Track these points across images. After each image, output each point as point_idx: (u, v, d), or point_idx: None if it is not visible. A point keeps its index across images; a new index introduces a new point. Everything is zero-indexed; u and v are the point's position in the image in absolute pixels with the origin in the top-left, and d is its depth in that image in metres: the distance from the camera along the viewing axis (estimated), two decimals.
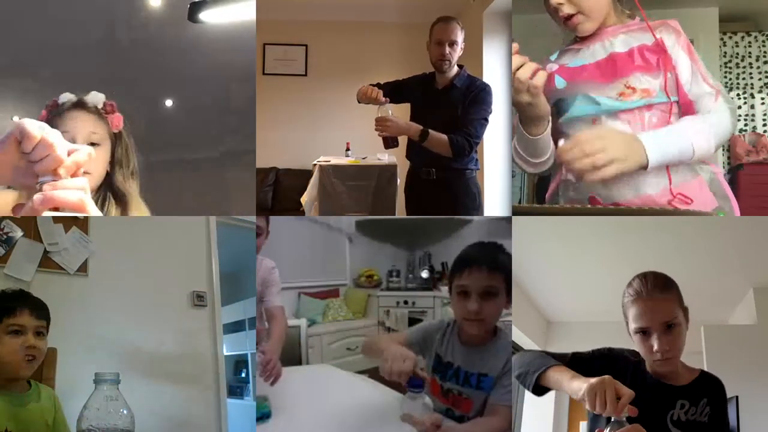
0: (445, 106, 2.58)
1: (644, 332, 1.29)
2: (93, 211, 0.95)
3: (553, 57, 1.64)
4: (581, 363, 1.32)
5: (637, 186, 1.52)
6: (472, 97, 2.54)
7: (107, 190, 1.63)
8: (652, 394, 1.27)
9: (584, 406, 1.12)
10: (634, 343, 1.33)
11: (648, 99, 1.50)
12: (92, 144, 1.57)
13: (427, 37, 2.65)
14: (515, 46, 1.44)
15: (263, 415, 1.47)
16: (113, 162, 1.64)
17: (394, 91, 2.69)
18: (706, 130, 1.46)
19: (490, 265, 1.32)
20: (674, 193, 1.49)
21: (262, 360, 1.71)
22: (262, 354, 1.74)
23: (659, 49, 1.50)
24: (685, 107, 1.53)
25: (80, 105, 1.62)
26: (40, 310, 1.45)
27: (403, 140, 2.64)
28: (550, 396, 3.00)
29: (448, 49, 2.55)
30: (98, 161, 1.58)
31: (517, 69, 1.41)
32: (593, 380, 1.11)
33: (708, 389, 1.31)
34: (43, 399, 1.44)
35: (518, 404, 3.06)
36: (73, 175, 0.90)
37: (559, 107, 1.63)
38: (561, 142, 1.42)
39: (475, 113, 2.51)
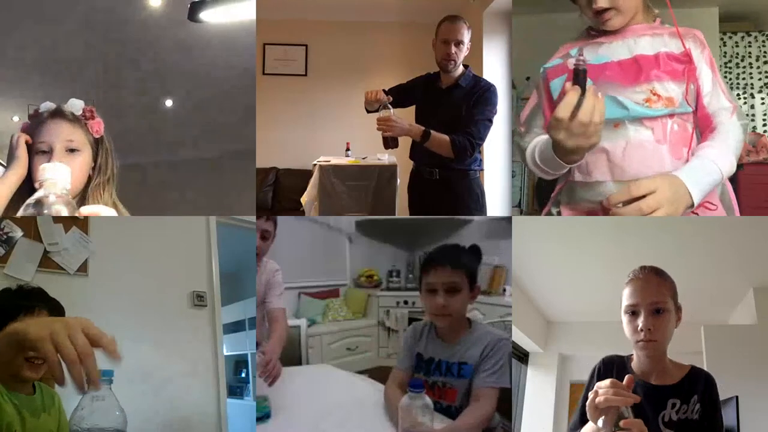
0: (448, 106, 2.55)
1: (633, 312, 1.32)
2: None
3: (573, 51, 1.56)
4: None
5: None
6: (477, 97, 2.51)
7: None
8: (642, 398, 1.25)
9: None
10: (624, 328, 1.34)
11: (672, 108, 1.48)
12: (71, 150, 1.56)
13: (428, 37, 2.63)
14: (572, 91, 1.28)
15: (263, 415, 1.47)
16: (95, 167, 1.62)
17: (399, 95, 2.66)
18: (728, 152, 1.45)
19: (452, 264, 1.48)
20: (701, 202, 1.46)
21: (261, 360, 1.71)
22: (262, 354, 1.74)
23: (686, 58, 1.48)
24: (703, 119, 1.52)
25: (57, 113, 1.60)
26: (58, 311, 1.51)
27: (406, 140, 2.62)
28: (551, 379, 3.02)
29: (453, 49, 2.52)
30: (79, 167, 1.55)
31: (574, 112, 1.26)
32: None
33: (699, 386, 1.29)
34: (51, 407, 1.43)
35: (519, 388, 3.06)
36: None
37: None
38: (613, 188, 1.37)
39: (479, 114, 2.49)
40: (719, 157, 1.44)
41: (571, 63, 1.52)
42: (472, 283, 1.50)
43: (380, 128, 2.45)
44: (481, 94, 2.53)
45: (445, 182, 2.60)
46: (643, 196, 1.31)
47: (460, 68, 2.59)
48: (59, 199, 1.17)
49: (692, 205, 1.38)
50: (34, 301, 1.49)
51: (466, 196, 2.61)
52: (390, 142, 2.52)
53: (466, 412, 1.39)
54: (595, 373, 1.36)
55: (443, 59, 2.55)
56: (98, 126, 1.64)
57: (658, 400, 1.28)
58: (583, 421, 1.22)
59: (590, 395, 1.10)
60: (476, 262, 1.55)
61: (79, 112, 1.62)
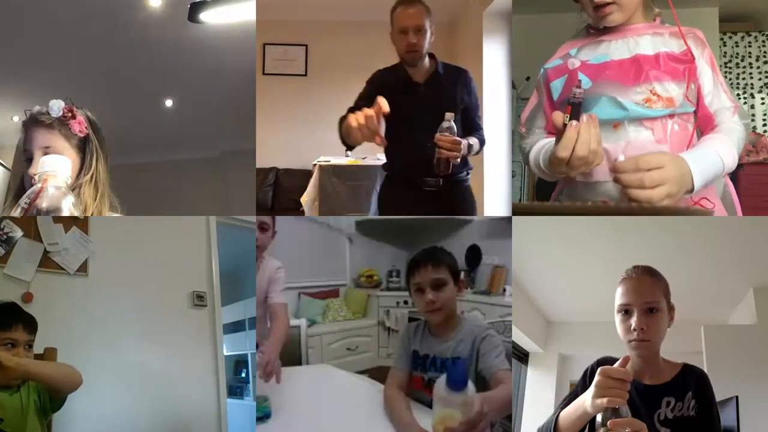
0: (431, 100, 2.27)
1: (626, 311, 1.32)
2: None
3: (573, 51, 1.58)
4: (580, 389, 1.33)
5: None
6: (463, 86, 2.32)
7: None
8: (636, 398, 1.26)
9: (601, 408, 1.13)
10: (617, 328, 1.35)
11: (672, 109, 1.48)
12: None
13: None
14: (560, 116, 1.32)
15: (263, 415, 1.47)
16: (81, 168, 1.57)
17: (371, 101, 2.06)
18: (732, 146, 1.46)
19: (434, 262, 1.56)
20: (695, 200, 1.46)
21: (261, 360, 1.71)
22: (262, 354, 1.75)
23: (687, 58, 1.47)
24: (704, 119, 1.52)
25: (33, 120, 1.56)
26: (32, 326, 1.57)
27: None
28: (551, 379, 3.02)
29: (414, 37, 2.20)
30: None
31: (572, 147, 1.29)
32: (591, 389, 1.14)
33: (692, 382, 1.30)
34: (22, 385, 1.52)
35: (519, 388, 3.06)
36: None
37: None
38: (620, 158, 1.37)
39: (476, 107, 2.37)
40: (723, 149, 1.44)
41: (572, 63, 1.52)
42: (456, 278, 1.57)
43: (447, 151, 2.02)
44: (467, 82, 2.34)
45: (438, 193, 2.28)
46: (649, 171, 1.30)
47: (427, 58, 2.29)
48: (58, 191, 1.17)
49: (692, 190, 1.37)
50: (11, 317, 1.54)
51: (466, 207, 2.38)
52: (448, 166, 2.08)
53: (499, 389, 1.40)
54: (588, 374, 1.36)
55: (407, 52, 2.23)
56: (79, 126, 1.58)
57: (653, 400, 1.28)
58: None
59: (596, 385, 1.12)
60: (455, 259, 1.63)
61: (58, 114, 1.56)
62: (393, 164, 2.40)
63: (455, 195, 2.33)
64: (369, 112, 1.64)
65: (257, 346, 2.05)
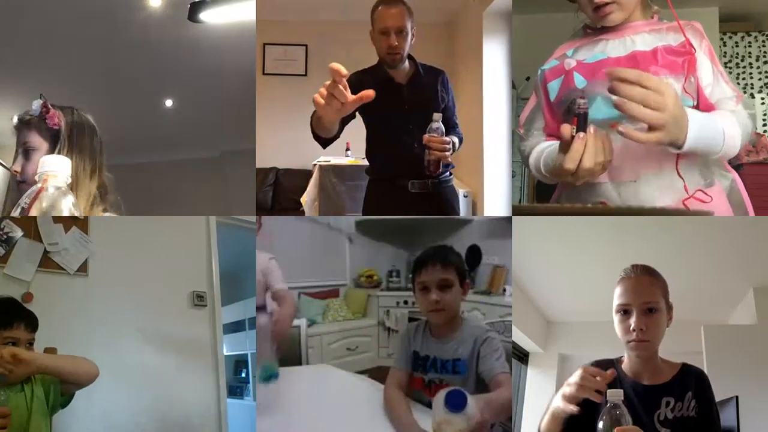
0: (415, 101, 2.24)
1: (625, 311, 1.32)
2: None
3: (569, 52, 1.56)
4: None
5: (653, 197, 1.47)
6: (442, 87, 2.29)
7: None
8: (635, 399, 1.26)
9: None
10: (615, 328, 1.35)
11: None
12: (26, 151, 1.63)
13: (428, 37, 2.47)
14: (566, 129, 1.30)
15: (270, 376, 1.48)
16: None
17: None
18: (737, 126, 1.43)
19: (443, 262, 1.53)
20: (690, 192, 1.43)
21: (272, 323, 1.71)
22: (273, 319, 1.74)
23: (685, 50, 1.45)
24: (706, 110, 1.49)
25: (19, 121, 1.66)
26: (33, 324, 1.56)
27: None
28: (551, 379, 3.01)
29: (396, 39, 2.17)
30: (34, 163, 1.59)
31: (579, 161, 1.28)
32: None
33: (691, 382, 1.29)
34: (26, 383, 1.50)
35: (519, 388, 3.06)
36: None
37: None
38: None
39: (453, 106, 2.33)
40: (725, 123, 1.40)
41: (568, 64, 1.52)
42: (462, 280, 1.55)
43: (438, 152, 1.99)
44: (446, 82, 2.31)
45: (424, 194, 2.25)
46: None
47: (407, 61, 2.25)
48: (58, 191, 1.17)
49: (681, 146, 1.33)
50: (12, 315, 1.55)
51: (451, 206, 2.33)
52: (438, 167, 2.05)
53: (498, 392, 1.40)
54: None
55: (388, 53, 2.20)
56: (52, 119, 1.66)
57: (652, 400, 1.28)
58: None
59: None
60: (463, 260, 1.61)
61: (37, 112, 1.65)
62: (379, 167, 2.36)
63: (440, 195, 2.28)
64: (327, 83, 1.42)
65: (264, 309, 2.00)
